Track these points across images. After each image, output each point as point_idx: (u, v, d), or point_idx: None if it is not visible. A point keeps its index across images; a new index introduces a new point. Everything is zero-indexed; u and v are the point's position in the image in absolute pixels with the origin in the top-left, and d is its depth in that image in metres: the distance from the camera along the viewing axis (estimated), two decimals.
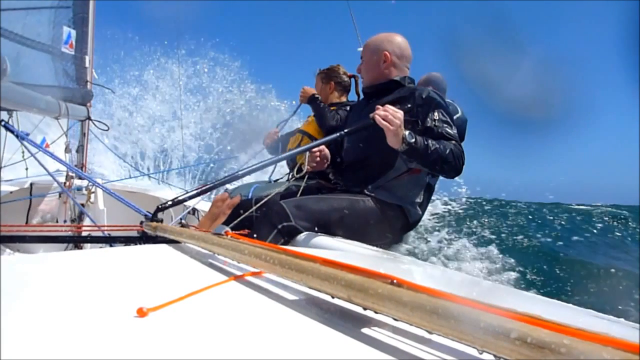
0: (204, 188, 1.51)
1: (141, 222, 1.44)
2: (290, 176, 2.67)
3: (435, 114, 1.88)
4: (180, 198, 1.44)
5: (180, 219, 1.79)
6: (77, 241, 2.52)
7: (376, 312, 0.52)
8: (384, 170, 1.96)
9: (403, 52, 2.11)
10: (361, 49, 2.21)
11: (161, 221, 1.32)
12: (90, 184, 2.98)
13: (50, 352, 0.43)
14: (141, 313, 0.53)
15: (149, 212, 1.44)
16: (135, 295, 0.65)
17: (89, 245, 1.87)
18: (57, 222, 3.09)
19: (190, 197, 1.46)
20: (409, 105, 1.93)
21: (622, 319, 0.83)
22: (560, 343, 0.36)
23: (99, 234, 1.66)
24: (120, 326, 0.51)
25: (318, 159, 1.99)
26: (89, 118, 3.24)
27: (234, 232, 1.01)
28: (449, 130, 1.85)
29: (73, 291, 0.66)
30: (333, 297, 0.59)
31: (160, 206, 1.38)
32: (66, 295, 0.63)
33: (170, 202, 1.41)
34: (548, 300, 0.99)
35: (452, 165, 1.78)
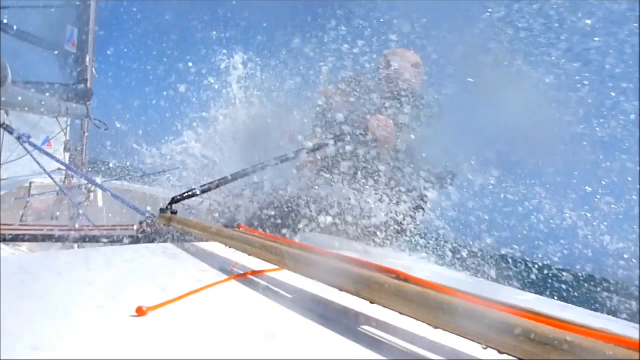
0: (216, 182, 1.53)
1: (140, 222, 1.44)
2: None
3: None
4: (195, 191, 1.46)
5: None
6: (76, 240, 2.51)
7: (383, 307, 0.52)
8: None
9: None
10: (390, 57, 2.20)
11: (175, 213, 1.33)
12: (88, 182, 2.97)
13: (49, 351, 0.42)
14: (140, 312, 0.53)
15: (148, 211, 1.43)
16: (134, 294, 0.65)
17: (87, 244, 1.87)
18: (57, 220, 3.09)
19: (204, 191, 1.48)
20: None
21: (621, 320, 0.83)
22: (563, 340, 0.36)
23: (98, 232, 1.66)
24: (119, 325, 0.51)
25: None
26: (88, 117, 3.24)
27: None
28: None
29: (72, 290, 0.65)
30: (341, 291, 0.59)
31: (175, 198, 1.39)
32: (65, 294, 0.63)
33: (185, 195, 1.42)
34: (550, 301, 0.99)
35: (440, 177, 1.84)
